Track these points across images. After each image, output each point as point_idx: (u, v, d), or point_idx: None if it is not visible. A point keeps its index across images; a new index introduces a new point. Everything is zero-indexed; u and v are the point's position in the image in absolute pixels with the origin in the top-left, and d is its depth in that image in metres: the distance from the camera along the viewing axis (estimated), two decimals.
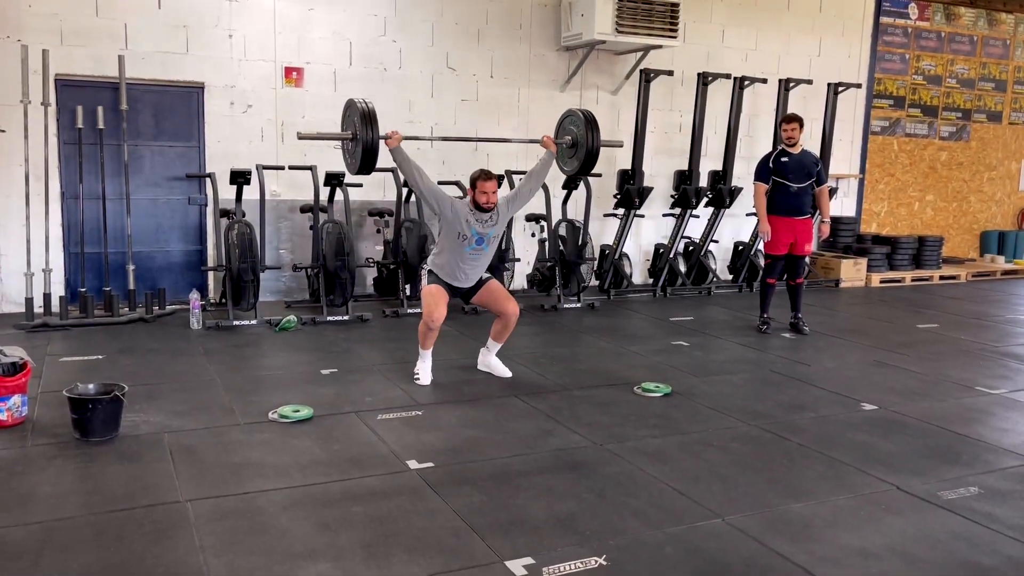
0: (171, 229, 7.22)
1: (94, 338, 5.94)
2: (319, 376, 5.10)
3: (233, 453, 3.77)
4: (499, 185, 4.99)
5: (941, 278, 9.87)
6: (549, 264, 7.66)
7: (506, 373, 5.13)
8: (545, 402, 4.66)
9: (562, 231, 7.66)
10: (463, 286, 5.03)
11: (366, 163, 5.01)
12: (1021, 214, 11.51)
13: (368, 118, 4.92)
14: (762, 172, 6.58)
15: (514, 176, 7.45)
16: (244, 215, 6.64)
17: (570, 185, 7.77)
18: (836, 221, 9.69)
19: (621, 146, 6.07)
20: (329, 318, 6.64)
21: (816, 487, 3.54)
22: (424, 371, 5.02)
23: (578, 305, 7.55)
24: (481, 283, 5.08)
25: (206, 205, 7.22)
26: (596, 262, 8.12)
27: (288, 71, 7.35)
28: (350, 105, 5.12)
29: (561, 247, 7.59)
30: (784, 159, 6.48)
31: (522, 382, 5.07)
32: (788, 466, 3.78)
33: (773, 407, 4.67)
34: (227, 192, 6.78)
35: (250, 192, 6.74)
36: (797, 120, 6.51)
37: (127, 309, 6.61)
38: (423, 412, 4.43)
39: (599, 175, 7.93)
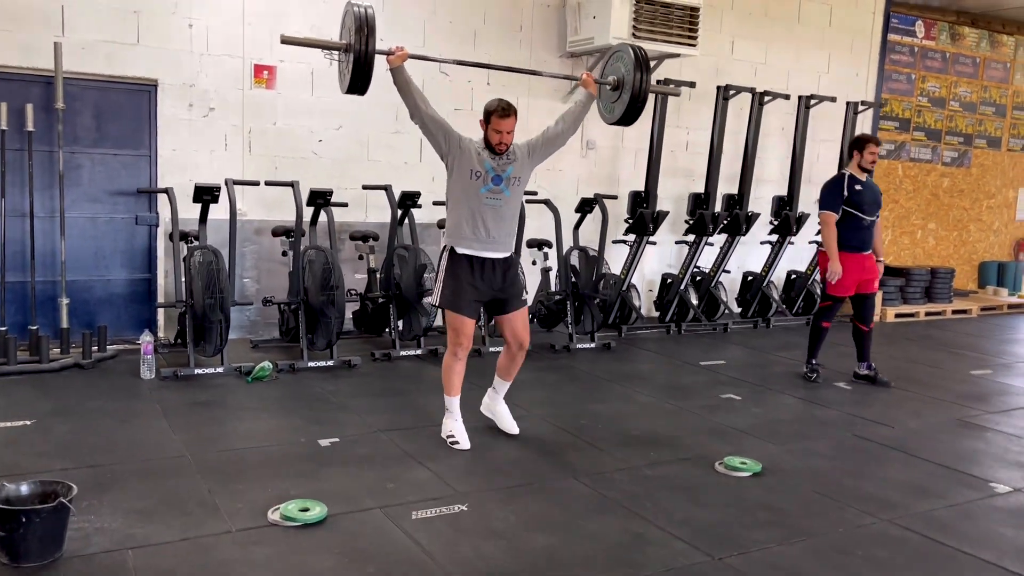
0: (114, 254, 6.02)
1: (18, 392, 4.73)
2: (318, 449, 4.03)
3: None
4: (515, 124, 4.01)
5: (953, 312, 9.27)
6: (558, 297, 6.71)
7: (513, 429, 4.33)
8: (613, 487, 3.69)
9: (573, 260, 6.73)
10: (490, 255, 4.06)
11: (357, 80, 4.07)
12: (1017, 244, 11.07)
13: (363, 24, 3.96)
14: (834, 200, 5.59)
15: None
16: (205, 239, 5.52)
17: (584, 208, 6.86)
18: None
19: (677, 95, 5.17)
20: (310, 364, 5.55)
21: None
22: (460, 431, 4.19)
23: (592, 345, 6.60)
24: (510, 290, 4.15)
25: (157, 226, 6.05)
26: None
27: (258, 69, 6.26)
28: (347, 12, 4.14)
29: (573, 279, 6.65)
30: (858, 187, 5.59)
31: (570, 453, 4.10)
32: None
33: (890, 491, 3.80)
34: (185, 211, 5.66)
35: (212, 211, 5.63)
36: (879, 143, 5.70)
37: (59, 351, 5.41)
38: (468, 506, 3.41)
39: (615, 197, 7.05)
